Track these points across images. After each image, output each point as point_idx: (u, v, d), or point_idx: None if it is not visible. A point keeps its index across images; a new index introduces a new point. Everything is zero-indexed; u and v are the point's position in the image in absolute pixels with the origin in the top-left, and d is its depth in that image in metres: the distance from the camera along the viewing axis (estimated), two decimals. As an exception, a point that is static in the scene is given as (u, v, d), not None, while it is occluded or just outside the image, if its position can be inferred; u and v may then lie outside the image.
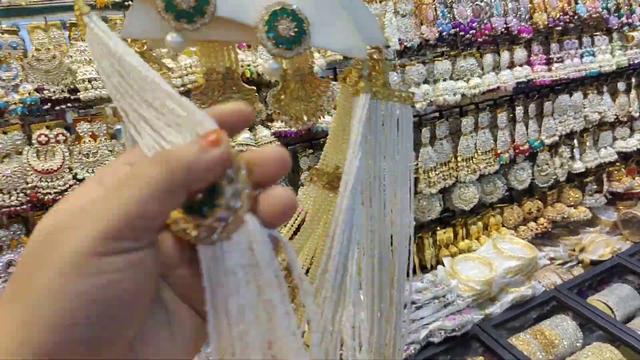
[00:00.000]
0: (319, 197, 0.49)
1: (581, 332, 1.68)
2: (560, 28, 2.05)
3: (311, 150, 1.64)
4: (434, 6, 1.81)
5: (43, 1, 1.21)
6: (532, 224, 2.12)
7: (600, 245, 2.11)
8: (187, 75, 1.32)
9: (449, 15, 1.85)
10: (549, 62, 2.09)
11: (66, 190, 1.22)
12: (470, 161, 1.91)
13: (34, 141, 1.20)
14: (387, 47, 0.38)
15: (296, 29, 0.34)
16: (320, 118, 0.42)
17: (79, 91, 1.21)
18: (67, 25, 1.22)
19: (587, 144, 2.26)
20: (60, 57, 1.20)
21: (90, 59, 1.23)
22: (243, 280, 0.26)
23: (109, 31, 0.29)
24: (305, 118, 0.44)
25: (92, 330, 0.23)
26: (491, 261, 1.81)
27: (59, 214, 0.26)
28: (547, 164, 2.15)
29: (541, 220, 2.14)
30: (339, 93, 0.45)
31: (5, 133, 1.18)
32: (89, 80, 1.20)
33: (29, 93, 1.16)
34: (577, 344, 1.64)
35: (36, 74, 1.19)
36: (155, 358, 0.27)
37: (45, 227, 0.25)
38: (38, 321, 0.23)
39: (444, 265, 1.83)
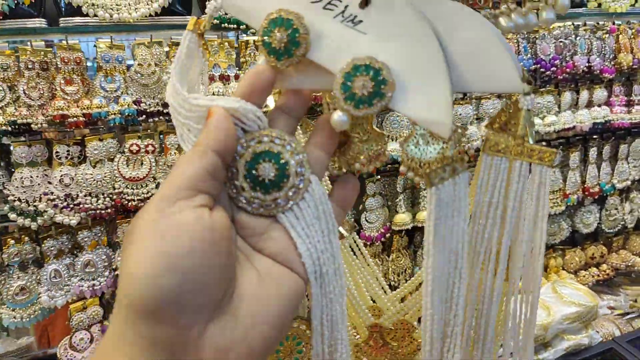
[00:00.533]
0: None
1: (638, 390, 1.62)
2: (646, 70, 1.98)
3: (378, 177, 1.65)
4: (516, 41, 1.79)
5: (148, 20, 1.27)
6: (593, 270, 2.05)
7: (663, 299, 2.03)
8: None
9: (530, 50, 1.82)
10: (629, 104, 2.02)
11: (148, 198, 1.28)
12: (537, 200, 1.87)
13: (125, 150, 1.27)
14: (527, 94, 0.33)
15: (372, 89, 0.33)
16: (382, 162, 0.41)
17: (171, 106, 1.27)
18: (169, 43, 1.28)
19: (661, 191, 2.17)
20: (159, 73, 1.27)
21: (185, 77, 1.28)
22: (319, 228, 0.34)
23: (187, 52, 0.39)
24: (365, 161, 0.43)
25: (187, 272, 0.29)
26: (549, 305, 1.77)
27: None
28: (617, 209, 2.07)
29: (604, 266, 2.07)
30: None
31: (101, 140, 1.25)
32: (182, 97, 1.26)
33: (128, 105, 1.23)
34: (633, 402, 1.59)
35: (135, 87, 1.25)
36: (254, 311, 0.32)
37: None
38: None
39: (499, 304, 1.81)
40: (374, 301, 0.54)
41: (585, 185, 1.97)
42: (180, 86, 0.35)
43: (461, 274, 0.38)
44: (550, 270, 1.98)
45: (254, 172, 0.33)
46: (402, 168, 0.40)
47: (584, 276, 2.01)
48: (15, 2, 1.17)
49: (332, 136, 0.37)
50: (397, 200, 1.67)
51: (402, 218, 1.65)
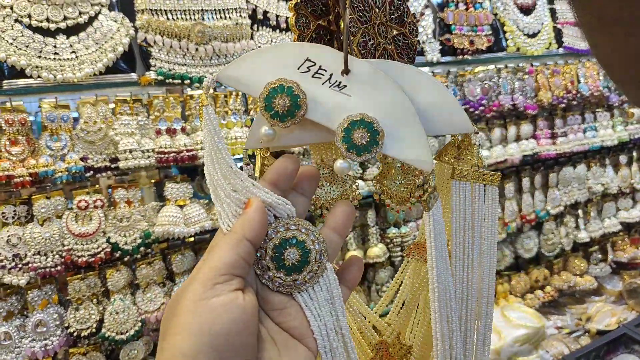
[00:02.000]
0: (418, 271, 0.56)
1: (589, 405, 1.69)
2: (564, 105, 2.17)
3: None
4: (445, 84, 1.94)
5: (93, 78, 1.32)
6: (539, 292, 2.16)
7: (606, 315, 2.14)
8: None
9: (459, 92, 1.97)
10: (553, 137, 2.20)
11: (99, 253, 1.29)
12: (479, 230, 1.98)
13: (74, 206, 1.28)
14: (476, 133, 0.43)
15: (369, 139, 0.39)
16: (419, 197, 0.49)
17: (119, 160, 1.31)
18: (114, 100, 1.33)
19: (592, 214, 2.33)
20: (105, 130, 1.31)
21: (132, 132, 1.33)
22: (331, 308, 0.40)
23: (216, 124, 0.40)
24: (408, 196, 0.53)
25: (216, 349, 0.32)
26: (500, 329, 1.84)
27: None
28: (553, 233, 2.21)
29: (548, 288, 2.19)
30: (435, 169, 0.52)
31: (48, 198, 1.27)
32: (130, 151, 1.30)
33: (75, 162, 1.26)
34: (586, 418, 1.65)
35: (82, 144, 1.29)
36: None
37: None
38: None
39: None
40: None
41: (522, 213, 2.10)
42: (235, 166, 0.40)
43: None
44: (499, 296, 2.07)
45: (280, 255, 0.39)
46: (387, 200, 0.53)
47: (530, 299, 2.11)
48: (-41, 68, 1.20)
49: (348, 221, 0.43)
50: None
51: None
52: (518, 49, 2.10)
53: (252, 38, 1.55)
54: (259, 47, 1.55)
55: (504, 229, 2.04)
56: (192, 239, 1.52)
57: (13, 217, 1.24)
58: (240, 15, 1.53)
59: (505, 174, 2.14)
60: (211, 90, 1.45)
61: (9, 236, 1.21)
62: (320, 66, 0.41)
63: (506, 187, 2.05)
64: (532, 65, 2.16)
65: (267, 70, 0.40)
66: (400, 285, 0.58)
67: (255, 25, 1.57)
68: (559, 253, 2.27)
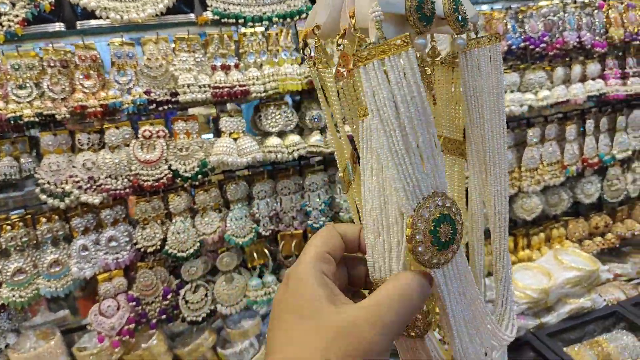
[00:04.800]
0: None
1: (642, 349, 1.66)
2: (638, 42, 2.02)
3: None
4: (504, 20, 1.87)
5: (155, 19, 1.43)
6: (598, 239, 2.10)
7: (672, 266, 2.05)
8: (269, 82, 1.50)
9: (519, 29, 1.90)
10: (624, 77, 2.07)
11: (162, 178, 1.42)
12: (535, 172, 1.94)
13: (139, 135, 1.42)
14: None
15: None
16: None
17: (179, 94, 1.42)
18: (174, 39, 1.43)
19: (664, 161, 2.20)
20: (166, 66, 1.42)
21: (190, 68, 1.43)
22: None
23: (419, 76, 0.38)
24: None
25: None
26: (550, 271, 1.83)
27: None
28: (618, 179, 2.12)
29: (609, 235, 2.12)
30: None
31: (117, 128, 1.41)
32: (188, 86, 1.41)
33: (140, 95, 1.38)
34: (637, 359, 1.63)
35: (145, 79, 1.41)
36: None
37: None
38: None
39: (501, 272, 1.87)
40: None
41: (584, 156, 2.03)
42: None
43: None
44: (554, 240, 2.04)
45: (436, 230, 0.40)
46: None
47: (588, 245, 2.06)
48: (38, 9, 1.34)
49: None
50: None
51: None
52: (588, -18, 1.97)
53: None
54: (310, -16, 1.58)
55: (562, 173, 1.98)
56: (246, 172, 1.63)
57: (87, 144, 1.39)
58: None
59: (567, 116, 2.06)
60: (262, 28, 1.47)
61: (84, 160, 1.37)
62: None
63: (567, 129, 1.98)
64: None
65: None
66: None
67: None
68: (624, 200, 2.17)
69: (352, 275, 0.46)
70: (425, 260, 0.39)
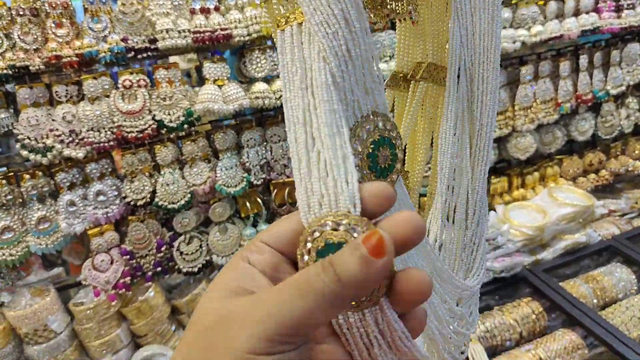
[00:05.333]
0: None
1: (636, 281, 1.68)
2: (632, -29, 1.96)
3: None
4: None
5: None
6: (592, 176, 2.09)
7: (666, 199, 2.05)
8: (252, 25, 1.44)
9: (509, -39, 1.83)
10: (618, 9, 2.01)
11: (146, 129, 1.38)
12: (529, 110, 1.91)
13: (119, 85, 1.36)
14: None
15: None
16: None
17: (158, 41, 1.36)
18: (147, -20, 1.36)
19: (658, 95, 2.17)
20: (142, 11, 1.35)
21: (167, 12, 1.37)
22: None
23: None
24: None
25: None
26: (545, 209, 1.83)
27: (219, 300, 0.30)
28: (612, 115, 2.09)
29: (603, 172, 2.11)
30: None
31: (95, 79, 1.35)
32: (167, 31, 1.35)
33: (116, 42, 1.32)
34: (632, 292, 1.65)
35: (122, 25, 1.34)
36: None
37: (210, 311, 0.30)
38: None
39: (495, 212, 1.87)
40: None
41: (578, 93, 1.99)
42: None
43: None
44: (548, 179, 2.03)
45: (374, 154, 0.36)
46: None
47: (582, 182, 2.05)
48: (2, -46, 1.27)
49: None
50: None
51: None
52: None
53: None
54: None
55: (556, 110, 1.95)
56: (234, 121, 1.59)
57: (66, 96, 1.34)
58: None
59: (560, 52, 2.01)
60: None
61: (64, 113, 1.32)
62: None
63: (561, 65, 1.93)
64: None
65: None
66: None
67: None
68: (618, 136, 2.15)
69: None
70: None
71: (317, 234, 0.31)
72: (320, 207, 0.33)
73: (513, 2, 1.86)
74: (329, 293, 0.27)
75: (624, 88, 2.06)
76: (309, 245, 0.31)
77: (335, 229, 0.30)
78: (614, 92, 2.04)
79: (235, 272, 0.32)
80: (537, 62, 1.92)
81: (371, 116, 0.36)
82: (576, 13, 1.95)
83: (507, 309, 1.59)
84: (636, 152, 2.16)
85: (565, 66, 1.95)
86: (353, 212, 0.31)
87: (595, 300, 1.62)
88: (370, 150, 0.35)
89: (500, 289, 1.69)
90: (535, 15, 1.87)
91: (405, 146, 0.38)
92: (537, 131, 1.98)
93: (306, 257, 0.31)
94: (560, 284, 1.65)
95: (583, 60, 1.99)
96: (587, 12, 1.96)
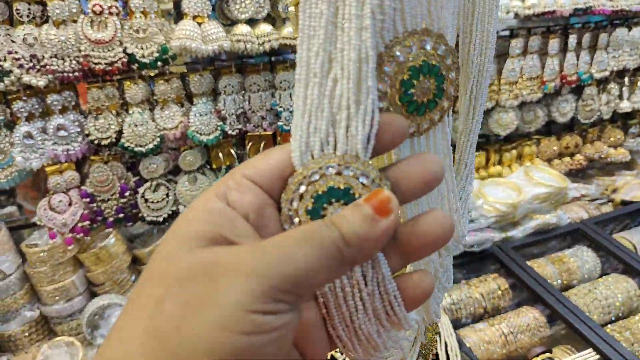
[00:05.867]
0: None
1: (600, 265, 1.70)
2: (631, -47, 1.92)
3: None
4: None
5: None
6: (567, 159, 2.10)
7: (634, 188, 2.08)
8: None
9: None
10: (612, -9, 1.98)
11: (116, 62, 1.27)
12: (514, 85, 1.88)
13: (88, 10, 1.24)
14: None
15: None
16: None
17: (135, -35, 1.24)
18: None
19: (639, 84, 2.17)
20: None
21: None
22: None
23: None
24: None
25: None
26: (520, 187, 1.82)
27: (194, 250, 0.25)
28: (593, 99, 2.09)
29: (578, 156, 2.12)
30: None
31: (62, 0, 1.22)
32: (145, -45, 1.23)
33: (87, -40, 1.20)
34: (595, 275, 1.67)
35: (95, -58, 1.21)
36: None
37: (184, 261, 0.25)
38: None
39: (472, 186, 1.85)
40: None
41: (563, 73, 1.97)
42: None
43: None
44: (525, 158, 2.03)
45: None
46: None
47: (557, 164, 2.06)
48: None
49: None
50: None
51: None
52: None
53: None
54: None
55: (540, 88, 1.92)
56: (211, 67, 1.49)
57: (28, 16, 1.21)
58: None
59: (551, 30, 1.97)
60: None
61: (25, 35, 1.19)
62: None
63: (551, 42, 1.90)
64: None
65: None
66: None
67: None
68: (596, 121, 2.15)
69: None
70: None
71: (316, 177, 0.26)
72: (321, 149, 0.27)
73: (511, -28, 1.80)
74: (336, 250, 0.24)
75: (607, 73, 2.06)
76: (302, 189, 0.26)
77: (340, 173, 0.26)
78: (598, 76, 2.03)
79: (210, 215, 0.26)
80: (527, 37, 1.88)
81: (418, 34, 0.28)
82: (571, -9, 1.91)
83: (474, 283, 1.59)
84: (611, 139, 2.18)
85: (554, 43, 1.91)
86: (362, 158, 0.27)
87: (559, 281, 1.64)
88: (407, 78, 0.28)
89: (469, 264, 1.69)
90: (531, -10, 1.81)
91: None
92: (519, 108, 1.96)
93: (295, 204, 0.27)
94: (527, 262, 1.65)
95: (572, 39, 1.96)
96: (581, -9, 1.92)
